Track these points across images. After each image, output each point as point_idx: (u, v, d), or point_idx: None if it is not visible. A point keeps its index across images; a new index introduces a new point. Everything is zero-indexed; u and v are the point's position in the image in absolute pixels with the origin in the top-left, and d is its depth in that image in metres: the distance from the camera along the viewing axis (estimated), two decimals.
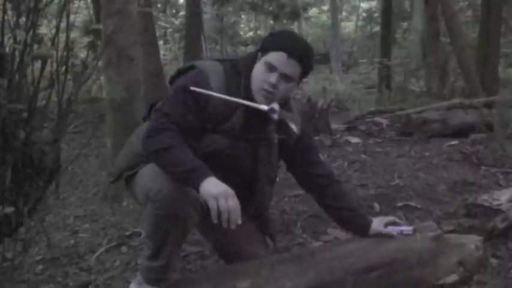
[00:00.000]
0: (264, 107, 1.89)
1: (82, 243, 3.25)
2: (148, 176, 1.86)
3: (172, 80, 2.07)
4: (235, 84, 1.94)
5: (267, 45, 1.93)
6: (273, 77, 1.88)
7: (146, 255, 1.93)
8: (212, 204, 1.66)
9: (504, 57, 12.21)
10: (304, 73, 1.96)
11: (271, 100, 1.92)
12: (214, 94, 1.86)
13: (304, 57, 1.91)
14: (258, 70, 1.92)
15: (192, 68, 1.99)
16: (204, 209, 1.83)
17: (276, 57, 1.88)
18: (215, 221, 1.68)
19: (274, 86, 1.89)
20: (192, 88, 1.86)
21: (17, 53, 1.79)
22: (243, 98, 1.92)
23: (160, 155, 1.78)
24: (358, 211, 2.16)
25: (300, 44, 1.94)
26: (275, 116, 1.91)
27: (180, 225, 1.84)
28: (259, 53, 1.95)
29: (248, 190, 2.06)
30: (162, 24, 18.81)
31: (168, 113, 1.86)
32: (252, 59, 1.98)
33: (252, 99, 1.92)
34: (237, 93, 1.92)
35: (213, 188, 1.68)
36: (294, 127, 1.97)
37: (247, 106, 1.92)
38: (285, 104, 2.01)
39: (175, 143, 1.77)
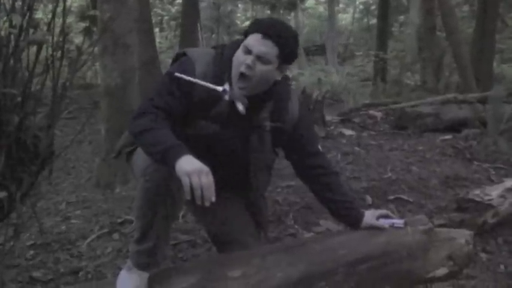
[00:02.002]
0: (219, 88, 1.89)
1: (74, 230, 3.25)
2: (143, 153, 1.87)
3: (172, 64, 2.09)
4: (221, 70, 1.95)
5: (247, 29, 1.94)
6: (249, 59, 1.87)
7: (135, 238, 1.94)
8: (185, 181, 1.66)
9: (499, 53, 12.22)
10: (284, 57, 1.92)
11: (248, 83, 1.90)
12: (192, 80, 1.88)
13: (281, 38, 1.88)
14: (237, 54, 1.92)
15: (184, 54, 2.01)
16: None
17: (252, 39, 1.89)
18: (188, 198, 1.68)
19: (249, 67, 1.87)
20: (177, 74, 1.89)
21: (12, 37, 1.78)
22: (228, 84, 1.92)
23: (140, 137, 1.82)
24: (352, 204, 2.16)
25: (278, 26, 1.91)
26: (226, 97, 1.91)
27: (169, 201, 1.85)
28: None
29: (242, 177, 2.08)
30: (159, 11, 18.73)
31: (152, 98, 1.90)
32: (237, 45, 1.97)
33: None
34: (221, 80, 1.93)
35: (186, 165, 1.67)
36: (240, 107, 1.93)
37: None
38: (270, 91, 1.99)
39: (155, 125, 1.80)
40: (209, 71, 1.93)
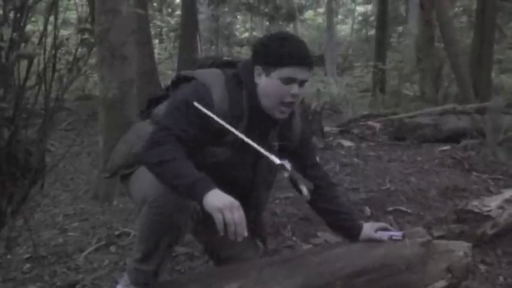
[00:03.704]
0: (277, 161, 1.83)
1: (71, 242, 3.23)
2: (147, 179, 1.82)
3: (173, 85, 2.05)
4: (237, 96, 1.92)
5: (272, 60, 1.86)
6: (295, 88, 1.86)
7: (136, 257, 1.90)
8: (218, 217, 1.63)
9: (498, 64, 12.24)
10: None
11: (292, 108, 1.92)
12: (218, 120, 1.83)
13: (311, 59, 1.91)
14: (272, 86, 1.87)
15: (192, 78, 1.96)
16: (199, 215, 1.82)
17: (291, 71, 1.85)
18: (221, 234, 1.65)
19: (296, 96, 1.88)
20: (195, 104, 1.83)
21: (3, 52, 1.77)
22: (246, 110, 1.91)
23: (161, 168, 1.75)
24: (351, 215, 2.15)
25: (304, 49, 1.89)
26: (285, 174, 1.86)
27: (175, 233, 1.83)
28: (260, 67, 1.89)
29: (244, 195, 2.04)
30: (158, 23, 18.79)
31: (169, 126, 1.83)
32: (250, 70, 1.93)
33: (257, 111, 1.92)
34: (238, 106, 1.90)
35: (217, 200, 1.65)
36: (305, 190, 1.87)
37: (249, 118, 1.91)
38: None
39: (176, 156, 1.75)
40: (225, 96, 1.89)
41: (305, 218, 3.31)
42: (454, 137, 5.63)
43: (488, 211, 2.87)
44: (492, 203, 2.95)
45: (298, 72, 1.86)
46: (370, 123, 6.76)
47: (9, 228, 1.91)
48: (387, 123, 6.66)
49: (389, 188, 3.91)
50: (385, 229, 2.15)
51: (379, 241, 2.09)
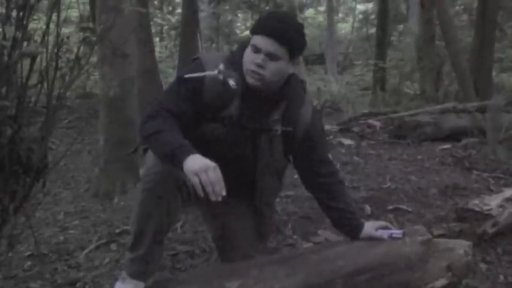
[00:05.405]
0: (215, 72, 1.91)
1: (72, 240, 3.23)
2: (151, 154, 1.91)
3: None
4: (231, 74, 1.95)
5: (252, 28, 1.95)
6: (259, 58, 1.89)
7: (128, 246, 1.97)
8: (194, 180, 1.67)
9: (498, 62, 12.24)
10: (292, 52, 1.94)
11: (261, 80, 1.92)
12: (195, 75, 1.91)
13: (285, 37, 1.89)
14: (246, 53, 1.94)
15: (195, 59, 2.04)
16: (188, 188, 1.88)
17: (259, 39, 1.90)
18: (201, 195, 1.69)
19: (260, 66, 1.89)
20: (186, 76, 1.92)
21: (5, 50, 1.78)
22: (238, 89, 1.93)
23: (150, 140, 1.84)
24: (354, 214, 2.15)
25: (281, 24, 1.90)
26: (220, 76, 1.92)
27: (163, 206, 1.87)
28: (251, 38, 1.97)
29: (249, 181, 2.08)
30: (159, 21, 18.80)
31: (162, 101, 1.93)
32: (244, 45, 1.99)
33: (250, 90, 1.94)
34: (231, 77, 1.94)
35: (193, 164, 1.69)
36: (232, 83, 1.93)
37: (244, 94, 1.94)
38: (286, 85, 2.00)
39: (164, 128, 1.82)
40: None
41: (306, 217, 3.32)
42: (455, 136, 5.63)
43: (489, 210, 2.87)
44: (492, 202, 2.95)
45: (262, 42, 1.89)
46: (370, 121, 6.75)
47: (11, 226, 1.92)
48: (387, 121, 6.65)
49: (389, 186, 3.91)
50: (385, 228, 2.16)
51: (379, 239, 2.10)
